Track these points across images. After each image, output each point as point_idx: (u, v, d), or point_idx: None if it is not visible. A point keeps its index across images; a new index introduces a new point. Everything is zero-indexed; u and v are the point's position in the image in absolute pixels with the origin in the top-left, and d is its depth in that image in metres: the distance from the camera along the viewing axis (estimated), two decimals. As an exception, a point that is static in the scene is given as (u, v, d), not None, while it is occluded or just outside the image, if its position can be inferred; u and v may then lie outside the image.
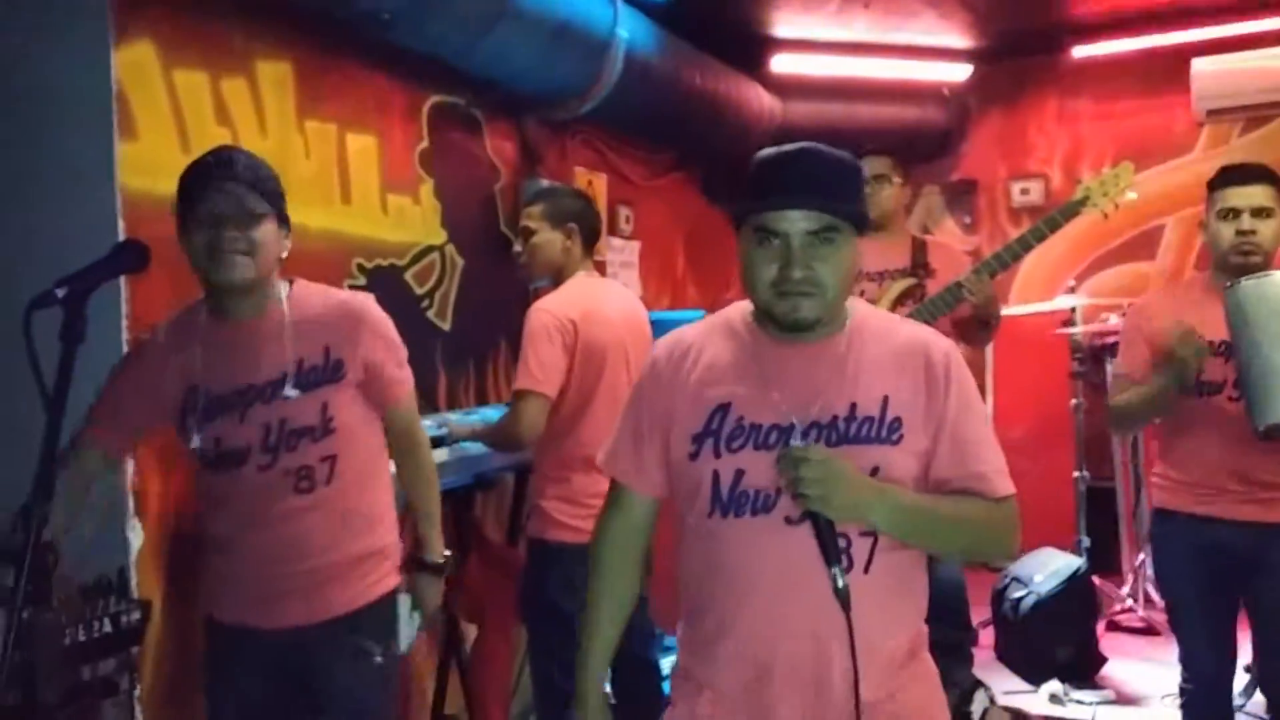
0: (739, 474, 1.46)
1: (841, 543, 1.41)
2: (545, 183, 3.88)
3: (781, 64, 5.11)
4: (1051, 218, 3.18)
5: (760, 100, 5.01)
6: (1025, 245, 3.13)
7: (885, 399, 1.46)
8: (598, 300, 2.65)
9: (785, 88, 5.15)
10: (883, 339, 1.53)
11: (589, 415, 2.60)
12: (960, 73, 5.39)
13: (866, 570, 1.43)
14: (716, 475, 1.48)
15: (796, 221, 1.42)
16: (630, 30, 3.86)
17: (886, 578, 1.45)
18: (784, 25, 4.96)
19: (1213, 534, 2.49)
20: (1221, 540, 2.48)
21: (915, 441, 1.47)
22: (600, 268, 4.61)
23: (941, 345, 1.54)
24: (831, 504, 1.36)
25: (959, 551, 1.67)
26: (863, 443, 1.45)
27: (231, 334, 1.95)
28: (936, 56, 5.33)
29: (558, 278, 2.69)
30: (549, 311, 2.55)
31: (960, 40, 5.21)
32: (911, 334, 1.57)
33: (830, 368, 1.48)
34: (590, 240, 2.74)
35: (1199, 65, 4.90)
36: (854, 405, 1.45)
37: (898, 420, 1.46)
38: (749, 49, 4.94)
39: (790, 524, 1.43)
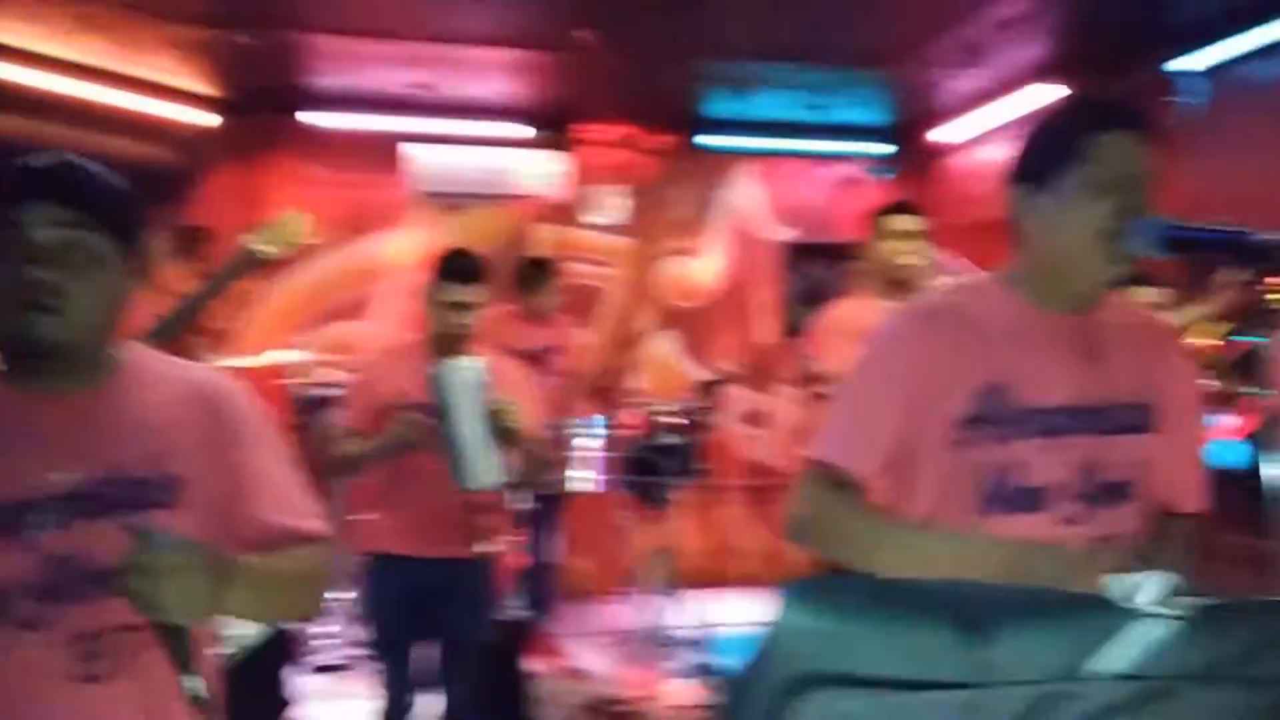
0: None
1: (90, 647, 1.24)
2: None
3: (-8, 72, 4.53)
4: (229, 267, 3.34)
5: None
6: (203, 299, 3.22)
7: (159, 454, 1.30)
8: None
9: (-3, 97, 4.57)
10: (161, 384, 1.37)
11: None
12: (205, 119, 5.37)
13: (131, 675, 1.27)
14: None
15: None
16: None
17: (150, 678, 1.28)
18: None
19: (414, 571, 2.88)
20: (422, 576, 2.88)
21: (197, 498, 1.33)
22: None
23: (228, 385, 1.45)
24: (170, 608, 1.14)
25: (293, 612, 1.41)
26: (128, 510, 1.26)
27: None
28: (179, 99, 5.23)
29: None
30: None
31: (202, 87, 5.20)
32: (195, 377, 1.43)
33: (90, 421, 1.30)
34: None
35: (413, 151, 5.61)
36: (118, 466, 1.29)
37: (176, 479, 1.32)
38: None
39: None
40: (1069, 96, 4.44)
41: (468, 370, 2.74)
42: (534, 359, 4.46)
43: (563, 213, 5.98)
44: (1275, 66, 4.07)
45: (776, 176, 6.34)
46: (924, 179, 6.21)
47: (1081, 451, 1.44)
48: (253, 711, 3.65)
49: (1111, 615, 0.71)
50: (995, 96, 5.13)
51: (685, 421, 4.57)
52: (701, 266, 6.30)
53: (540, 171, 5.81)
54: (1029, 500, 1.42)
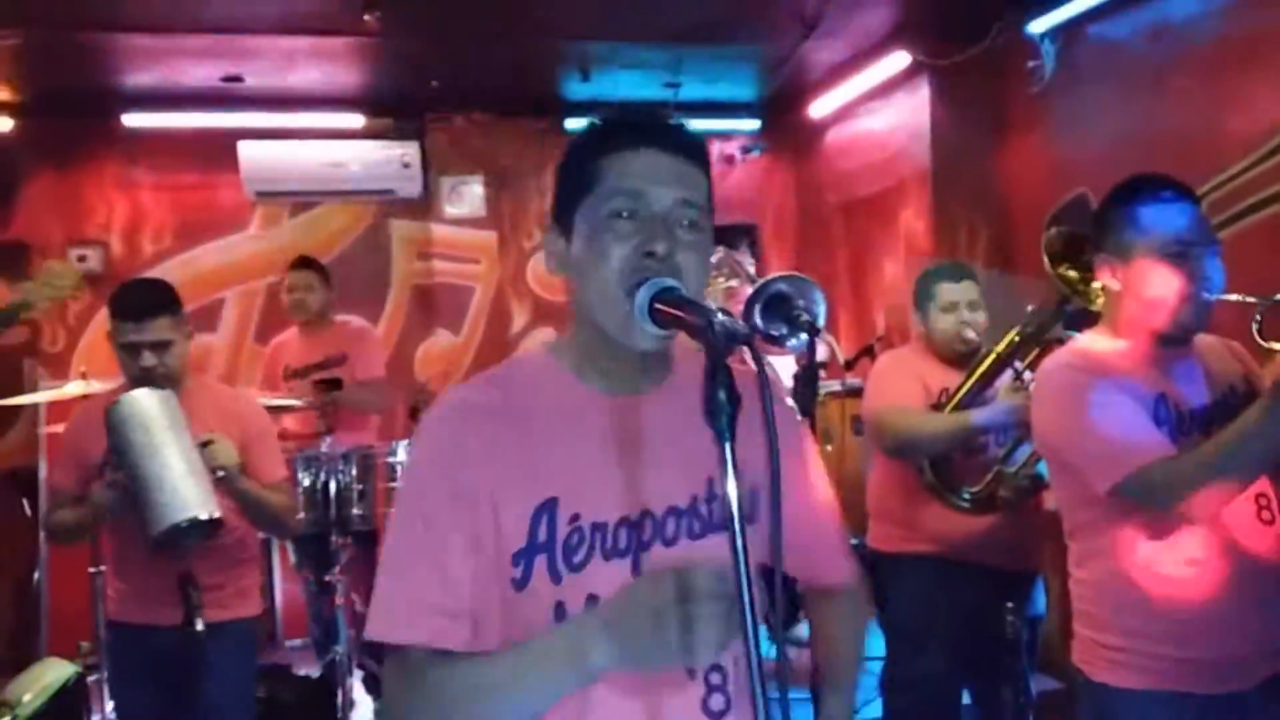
0: None
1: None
2: None
3: None
4: None
5: None
6: None
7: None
8: None
9: None
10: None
11: None
12: (3, 124, 4.93)
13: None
14: None
15: None
16: None
17: None
18: None
19: (156, 641, 2.53)
20: (163, 646, 2.52)
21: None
22: None
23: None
24: None
25: None
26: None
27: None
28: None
29: None
30: None
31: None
32: None
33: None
34: None
35: (246, 149, 5.17)
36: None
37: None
38: None
39: None
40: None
41: (141, 401, 2.38)
42: (315, 376, 4.07)
43: (418, 208, 5.58)
44: (1123, 24, 3.72)
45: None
46: (798, 155, 5.86)
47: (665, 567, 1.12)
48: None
49: None
50: (856, 67, 4.76)
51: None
52: (578, 257, 5.93)
53: (386, 164, 5.39)
54: None
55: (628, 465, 1.15)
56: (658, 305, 1.05)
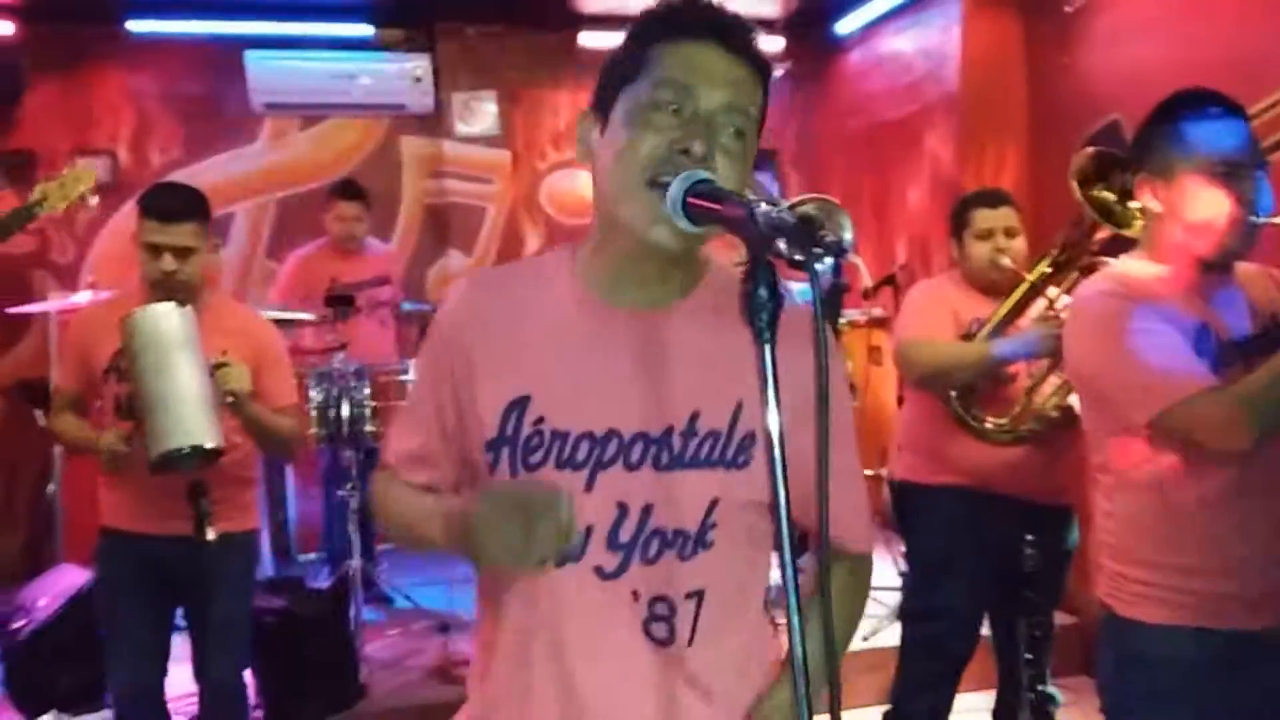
0: None
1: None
2: None
3: None
4: (3, 223, 3.01)
5: None
6: None
7: None
8: None
9: None
10: None
11: None
12: (5, 28, 4.80)
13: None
14: None
15: None
16: None
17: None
18: None
19: (154, 550, 2.57)
20: (160, 556, 2.57)
21: None
22: None
23: None
24: None
25: None
26: None
27: None
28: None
29: None
30: None
31: (-1, -8, 4.64)
32: None
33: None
34: None
35: (253, 58, 5.04)
36: None
37: None
38: None
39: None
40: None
41: (161, 317, 2.33)
42: (349, 299, 4.02)
43: (429, 124, 5.45)
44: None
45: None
46: (821, 77, 5.67)
47: (621, 490, 1.12)
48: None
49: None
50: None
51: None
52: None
53: (398, 77, 5.25)
54: None
55: (605, 380, 1.13)
56: (692, 199, 0.98)
